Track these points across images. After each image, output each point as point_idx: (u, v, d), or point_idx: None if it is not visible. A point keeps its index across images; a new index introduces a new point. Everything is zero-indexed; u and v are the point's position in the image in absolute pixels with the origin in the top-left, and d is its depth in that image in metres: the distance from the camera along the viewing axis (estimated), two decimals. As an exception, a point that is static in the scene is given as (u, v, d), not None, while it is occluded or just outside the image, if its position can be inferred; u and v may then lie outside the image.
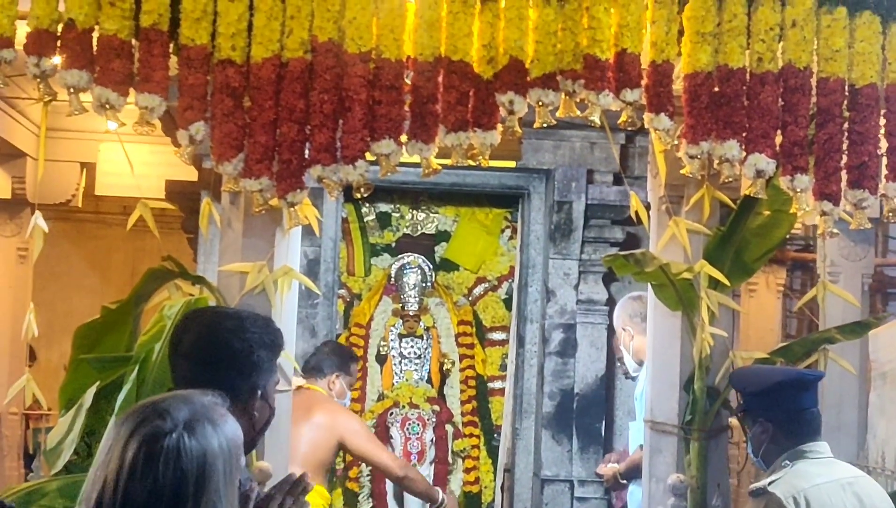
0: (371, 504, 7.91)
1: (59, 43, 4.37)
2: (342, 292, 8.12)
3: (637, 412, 6.51)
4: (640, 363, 6.54)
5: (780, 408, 4.28)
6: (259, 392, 3.40)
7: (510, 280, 8.16)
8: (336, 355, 6.88)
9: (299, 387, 6.41)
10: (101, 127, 9.99)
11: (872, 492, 4.29)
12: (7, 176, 10.75)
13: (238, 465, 2.47)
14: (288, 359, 5.01)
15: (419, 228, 8.33)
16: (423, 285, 8.27)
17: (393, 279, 8.28)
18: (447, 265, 8.32)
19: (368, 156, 4.47)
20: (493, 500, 8.07)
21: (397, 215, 8.31)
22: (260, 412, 3.40)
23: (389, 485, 7.96)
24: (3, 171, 10.48)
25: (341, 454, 7.14)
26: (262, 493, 3.18)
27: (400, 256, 8.29)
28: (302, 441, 6.28)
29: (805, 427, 4.28)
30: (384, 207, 8.26)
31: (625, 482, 6.82)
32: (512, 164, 7.45)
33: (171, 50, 4.46)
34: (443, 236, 8.31)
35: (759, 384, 4.35)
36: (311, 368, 6.75)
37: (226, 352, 3.38)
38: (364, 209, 8.26)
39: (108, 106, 4.35)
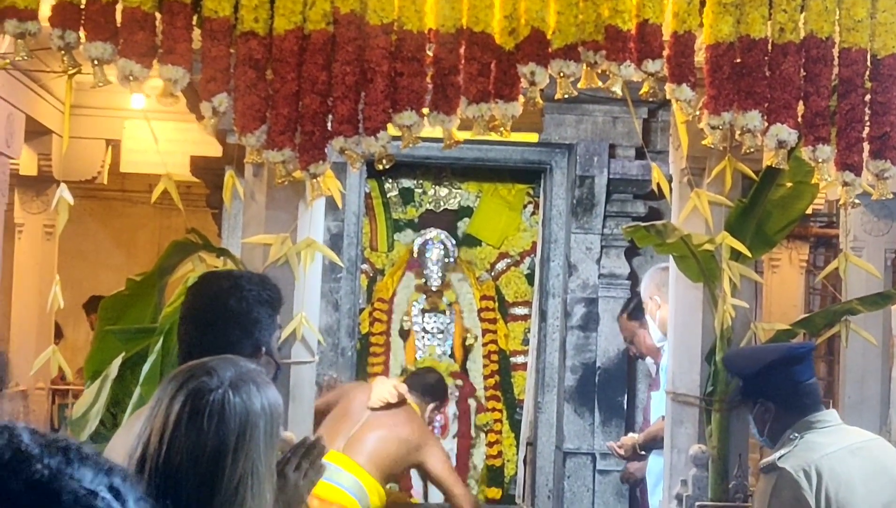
0: (395, 478, 7.94)
1: (82, 15, 4.41)
2: (365, 267, 8.14)
3: (662, 382, 6.53)
4: (666, 334, 6.54)
5: (778, 386, 4.24)
6: (263, 349, 3.46)
7: (532, 255, 8.17)
8: (440, 385, 7.13)
9: (404, 402, 6.63)
10: (126, 104, 10.05)
11: (884, 454, 4.26)
12: (33, 153, 10.81)
13: (278, 431, 2.51)
14: (312, 331, 5.05)
15: (442, 203, 8.35)
16: (446, 260, 8.28)
17: (416, 255, 8.30)
18: (470, 241, 8.34)
19: (391, 128, 4.49)
20: (516, 473, 8.10)
21: (420, 190, 8.32)
22: (266, 368, 3.44)
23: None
24: (30, 148, 10.53)
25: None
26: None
27: (423, 231, 8.31)
28: (382, 445, 6.44)
29: (805, 400, 4.25)
30: (407, 182, 8.28)
31: (643, 452, 6.83)
32: (534, 138, 7.45)
33: (194, 22, 4.49)
34: (465, 211, 8.33)
35: (752, 366, 4.32)
36: (412, 386, 6.91)
37: (224, 311, 3.43)
38: (387, 185, 8.28)
39: (131, 78, 4.38)
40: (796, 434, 4.17)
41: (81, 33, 4.39)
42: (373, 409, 6.55)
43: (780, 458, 4.13)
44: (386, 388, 6.69)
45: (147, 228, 14.70)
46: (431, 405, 6.93)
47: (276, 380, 3.61)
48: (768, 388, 4.23)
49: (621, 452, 6.94)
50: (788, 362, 4.26)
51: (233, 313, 3.42)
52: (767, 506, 4.12)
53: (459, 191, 8.32)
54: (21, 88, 9.35)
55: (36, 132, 10.22)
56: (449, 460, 6.96)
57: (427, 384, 6.95)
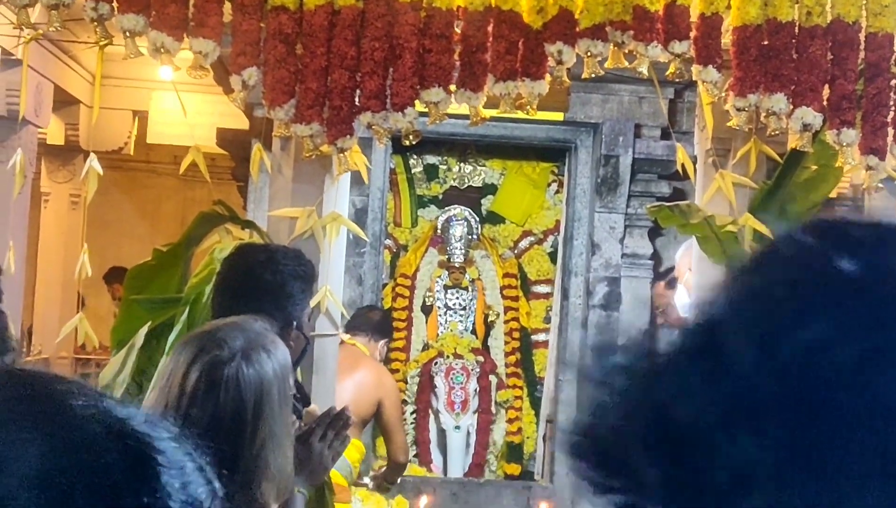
0: (414, 452, 8.00)
1: (116, -13, 4.45)
2: (389, 242, 8.18)
3: None
4: None
5: None
6: (294, 323, 3.50)
7: (556, 234, 8.19)
8: (386, 321, 7.06)
9: (342, 342, 6.50)
10: (154, 75, 10.09)
11: None
12: (61, 123, 10.88)
13: (289, 391, 2.57)
14: (336, 305, 5.09)
15: (466, 180, 8.37)
16: (469, 237, 8.32)
17: (439, 231, 8.33)
18: (493, 218, 8.37)
19: (418, 105, 4.53)
20: (535, 450, 8.15)
21: (444, 167, 8.35)
22: (296, 342, 3.49)
23: (433, 433, 8.04)
24: (57, 117, 10.60)
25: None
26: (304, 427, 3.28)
27: (446, 208, 8.34)
28: (345, 395, 6.36)
29: None
30: (432, 159, 8.31)
31: None
32: (560, 116, 7.47)
33: (225, -4, 4.53)
34: (489, 188, 8.35)
35: None
36: (357, 327, 6.81)
37: (259, 284, 3.47)
38: (412, 161, 8.30)
39: (163, 50, 4.43)
40: None
41: (114, 5, 4.43)
42: None
43: None
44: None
45: (172, 199, 14.77)
46: (382, 342, 6.86)
47: (304, 355, 3.66)
48: None
49: None
50: None
51: (267, 287, 3.46)
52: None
53: (484, 168, 8.35)
54: (50, 58, 9.41)
55: (64, 102, 10.29)
56: (400, 402, 6.95)
57: (374, 322, 6.85)
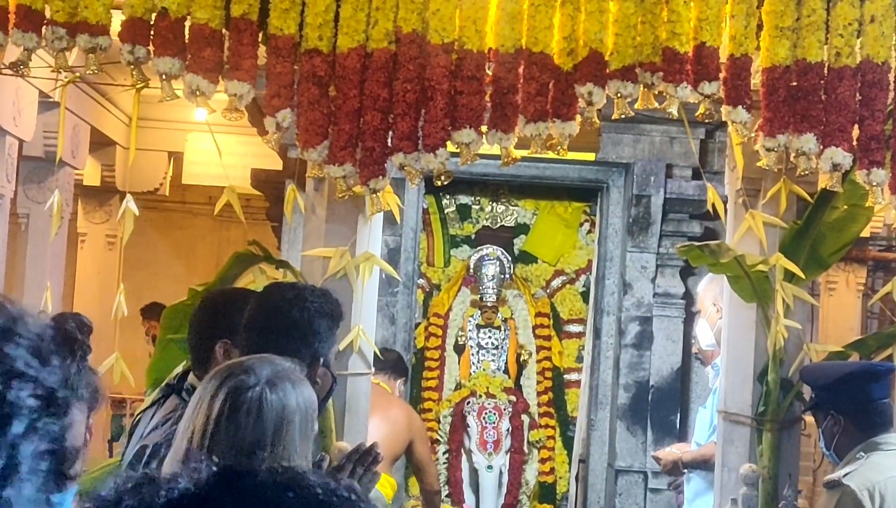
0: (447, 492, 8.01)
1: (152, 31, 4.53)
2: (422, 281, 8.22)
3: (712, 401, 6.54)
4: (720, 344, 6.52)
5: (851, 400, 4.31)
6: (321, 360, 3.54)
7: (588, 273, 8.22)
8: (401, 361, 7.12)
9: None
10: (189, 117, 10.21)
11: None
12: (97, 164, 11.01)
13: (313, 425, 2.61)
14: (368, 343, 5.13)
15: (499, 220, 8.41)
16: (502, 276, 8.35)
17: (472, 271, 8.37)
18: (526, 258, 8.40)
19: (449, 145, 4.58)
20: (568, 490, 8.14)
21: (477, 207, 8.40)
22: (323, 380, 3.54)
23: (466, 473, 8.05)
24: (94, 159, 10.73)
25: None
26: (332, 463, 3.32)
27: (479, 247, 8.37)
28: (377, 433, 6.39)
29: (877, 419, 4.31)
30: (464, 199, 8.36)
31: (685, 471, 6.83)
32: (591, 157, 7.51)
33: (259, 39, 4.59)
34: (522, 228, 8.39)
35: (828, 377, 4.39)
36: (384, 368, 6.86)
37: (286, 321, 3.52)
38: (444, 201, 8.35)
39: (198, 93, 4.50)
40: (863, 454, 4.22)
41: (150, 48, 4.51)
42: None
43: (845, 476, 4.18)
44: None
45: (206, 239, 14.87)
46: (400, 381, 6.94)
47: (332, 393, 3.71)
48: (841, 401, 4.29)
49: (661, 466, 6.95)
50: (865, 377, 4.33)
51: (294, 324, 3.51)
52: (831, 522, 4.16)
53: (516, 208, 8.39)
54: (86, 100, 9.54)
55: (100, 143, 10.42)
56: (428, 438, 7.03)
57: (391, 362, 6.88)
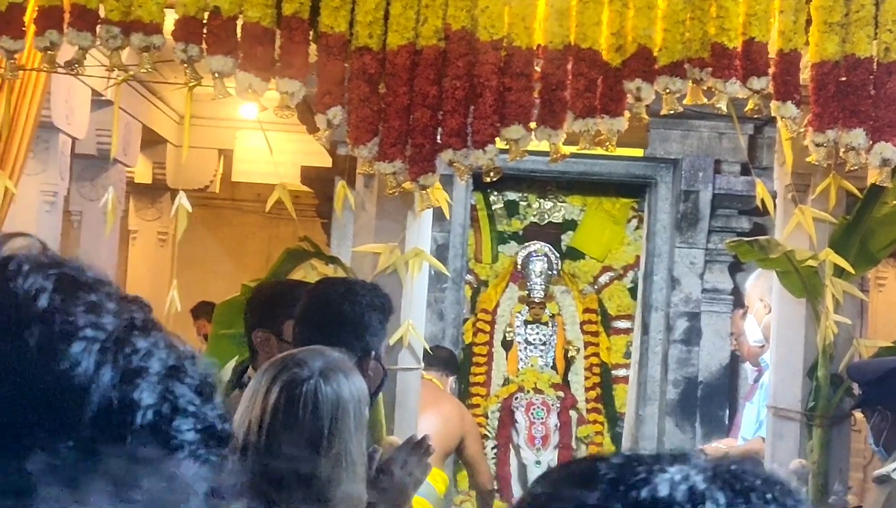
0: (496, 487, 8.04)
1: (204, 30, 4.58)
2: (469, 278, 8.25)
3: (759, 397, 6.53)
4: (768, 340, 6.50)
5: None
6: (372, 353, 3.58)
7: (636, 269, 8.22)
8: (453, 358, 7.15)
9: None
10: (238, 115, 10.29)
11: None
12: (148, 162, 11.11)
13: (365, 414, 2.66)
14: (418, 339, 5.17)
15: (546, 216, 8.43)
16: (549, 272, 8.36)
17: (519, 267, 8.39)
18: (573, 254, 8.41)
19: (498, 142, 4.61)
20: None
21: (525, 203, 8.41)
22: (374, 373, 3.57)
23: (514, 468, 8.08)
24: (145, 157, 10.83)
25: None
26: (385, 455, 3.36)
27: (527, 243, 8.39)
28: (430, 428, 6.40)
29: None
30: (512, 195, 8.37)
31: None
32: (639, 152, 7.52)
33: (310, 37, 4.64)
34: (569, 224, 8.40)
35: (875, 373, 4.40)
36: (428, 363, 6.86)
37: (338, 315, 3.57)
38: (492, 197, 8.38)
39: (251, 91, 4.55)
40: None
41: (203, 47, 4.57)
42: None
43: (894, 471, 4.18)
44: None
45: (256, 236, 14.96)
46: (452, 378, 6.95)
47: (382, 386, 3.75)
48: (889, 397, 4.29)
49: None
50: None
51: (345, 318, 3.56)
52: (878, 517, 4.16)
53: (564, 204, 8.40)
54: (138, 99, 9.63)
55: (151, 141, 10.52)
56: (480, 435, 7.02)
57: (442, 359, 6.89)
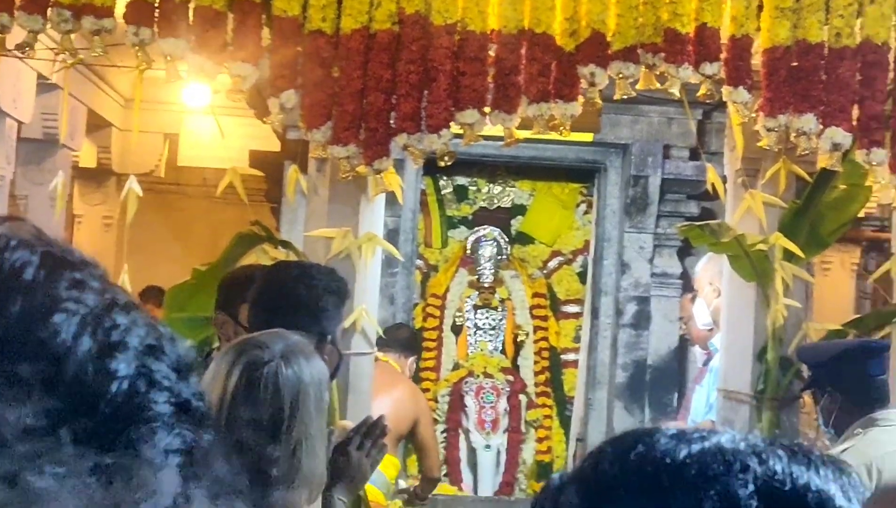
0: (445, 471, 8.05)
1: (156, 13, 4.54)
2: (419, 262, 8.26)
3: (709, 380, 6.57)
4: (717, 323, 6.55)
5: (848, 377, 4.36)
6: (329, 337, 3.58)
7: (584, 254, 8.25)
8: (415, 338, 7.09)
9: (376, 359, 6.53)
10: (184, 99, 10.21)
11: None
12: (93, 146, 11.01)
13: (325, 397, 2.66)
14: (371, 323, 5.17)
15: (495, 201, 8.44)
16: (499, 257, 8.38)
17: (469, 252, 8.40)
18: (523, 239, 8.43)
19: (452, 126, 4.61)
20: (565, 469, 8.19)
21: (474, 188, 8.42)
22: (330, 357, 3.57)
23: (464, 452, 8.10)
24: (90, 141, 10.72)
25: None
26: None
27: (476, 228, 8.41)
28: (383, 411, 6.30)
29: (874, 395, 4.36)
30: (461, 180, 8.38)
31: None
32: (589, 137, 7.54)
33: (263, 21, 4.61)
34: (518, 209, 8.42)
35: (825, 355, 4.45)
36: (387, 344, 6.82)
37: (293, 299, 3.56)
38: (442, 182, 8.38)
39: (203, 74, 4.52)
40: (860, 430, 4.28)
41: (155, 30, 4.53)
42: None
43: (843, 452, 4.23)
44: None
45: (202, 221, 14.87)
46: (411, 359, 6.90)
47: (339, 370, 3.75)
48: (839, 378, 4.34)
49: None
50: (862, 354, 4.37)
51: (301, 301, 3.55)
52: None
53: (513, 189, 8.42)
54: (83, 82, 9.53)
55: (96, 125, 10.42)
56: (433, 422, 6.96)
57: (402, 340, 6.88)
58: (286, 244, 5.28)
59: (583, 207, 8.32)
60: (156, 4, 4.54)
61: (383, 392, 6.25)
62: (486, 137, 4.87)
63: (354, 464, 3.28)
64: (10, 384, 0.81)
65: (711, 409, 6.35)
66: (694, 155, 7.47)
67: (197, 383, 0.91)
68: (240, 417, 2.53)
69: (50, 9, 4.49)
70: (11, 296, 0.84)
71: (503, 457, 8.16)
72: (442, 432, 8.11)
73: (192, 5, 4.55)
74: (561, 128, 4.61)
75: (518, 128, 4.68)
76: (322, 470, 2.67)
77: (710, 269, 6.67)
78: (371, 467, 3.33)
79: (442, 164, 4.70)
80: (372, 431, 3.36)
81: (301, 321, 3.50)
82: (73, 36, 4.64)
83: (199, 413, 0.88)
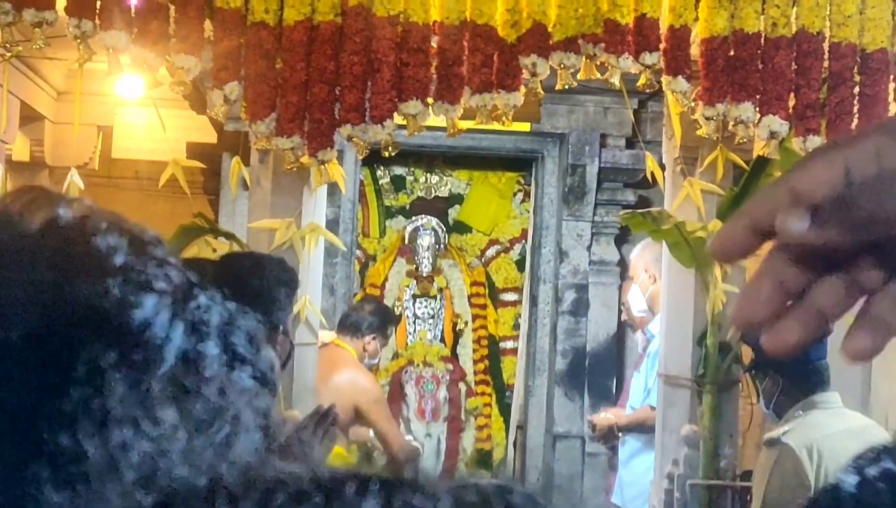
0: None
1: (98, 5, 4.53)
2: (358, 252, 8.28)
3: (646, 366, 6.65)
4: (652, 310, 6.63)
5: (789, 361, 4.45)
6: (280, 328, 3.61)
7: (522, 242, 8.32)
8: (377, 315, 6.79)
9: (328, 343, 6.46)
10: (117, 91, 10.14)
11: (878, 441, 4.46)
12: (26, 139, 10.89)
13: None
14: (315, 314, 5.19)
15: (433, 191, 8.48)
16: (437, 246, 8.43)
17: (407, 241, 8.44)
18: (460, 228, 8.48)
19: (396, 117, 4.64)
20: (505, 457, 8.26)
21: (411, 178, 8.46)
22: (282, 346, 3.61)
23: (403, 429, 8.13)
24: (23, 134, 10.62)
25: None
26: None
27: (414, 218, 8.44)
28: (322, 401, 6.20)
29: (814, 378, 4.46)
30: (399, 170, 8.41)
31: (620, 434, 6.93)
32: (526, 127, 7.59)
33: (206, 13, 4.62)
34: (456, 198, 8.47)
35: None
36: (348, 325, 6.72)
37: (245, 289, 3.58)
38: (379, 172, 8.41)
39: (145, 66, 4.52)
40: (801, 412, 4.37)
41: (97, 22, 4.52)
42: None
43: (784, 434, 4.32)
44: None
45: (134, 214, 14.48)
46: (368, 337, 6.60)
47: (290, 359, 3.78)
48: (780, 362, 4.42)
49: (593, 433, 6.94)
50: None
51: (254, 292, 3.57)
52: (768, 478, 4.30)
53: (450, 179, 8.46)
54: (15, 74, 9.43)
55: (29, 117, 10.30)
56: (382, 399, 6.71)
57: (360, 318, 6.63)
58: (230, 236, 5.29)
59: (520, 196, 8.39)
60: (97, -3, 4.53)
61: (322, 383, 6.21)
62: (427, 128, 4.91)
63: (308, 454, 3.31)
64: (114, 364, 0.84)
65: (649, 394, 6.44)
66: (630, 144, 7.55)
67: (267, 355, 0.95)
68: None
69: (-10, 1, 4.47)
70: (109, 280, 0.88)
71: (443, 446, 8.21)
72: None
73: (134, -2, 4.54)
74: (503, 118, 4.66)
75: (461, 118, 4.72)
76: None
77: (645, 256, 6.75)
78: (324, 455, 3.37)
79: (386, 154, 4.73)
80: (323, 420, 3.40)
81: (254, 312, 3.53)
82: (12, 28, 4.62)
83: (272, 384, 0.93)
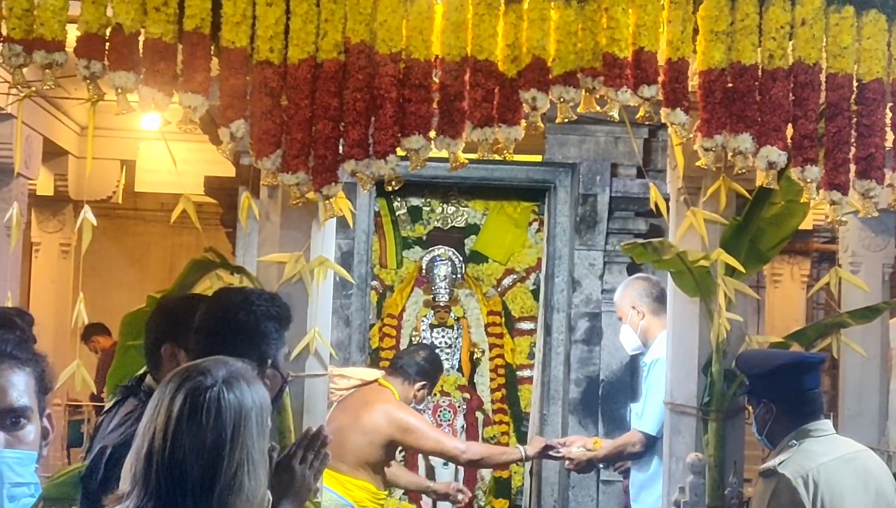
0: (403, 490, 8.13)
1: (107, 46, 4.63)
2: (375, 283, 8.35)
3: (643, 394, 6.70)
4: (646, 344, 6.67)
5: (784, 389, 4.49)
6: (269, 361, 3.70)
7: (538, 271, 8.37)
8: (429, 362, 6.88)
9: (371, 381, 6.57)
10: (140, 125, 10.28)
11: (873, 466, 4.51)
12: (50, 174, 11.06)
13: (267, 422, 2.76)
14: (325, 345, 5.26)
15: (449, 221, 8.55)
16: (454, 276, 8.49)
17: (424, 271, 8.51)
18: (477, 257, 8.55)
19: (399, 151, 4.72)
20: (523, 484, 8.30)
21: (428, 208, 8.54)
22: (272, 381, 3.69)
23: (422, 470, 8.18)
24: (47, 169, 10.77)
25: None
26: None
27: (431, 248, 8.51)
28: (342, 437, 6.20)
29: (807, 407, 4.49)
30: (415, 201, 8.49)
31: (601, 465, 6.92)
32: (538, 158, 7.67)
33: (212, 52, 4.71)
34: (472, 229, 8.54)
35: (763, 367, 4.57)
36: (398, 368, 6.79)
37: (233, 324, 3.68)
38: (396, 203, 8.49)
39: (154, 106, 4.61)
40: (795, 441, 4.40)
41: (106, 63, 4.61)
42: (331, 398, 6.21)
43: (779, 464, 4.36)
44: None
45: (159, 246, 14.93)
46: (418, 385, 6.76)
47: (282, 392, 3.86)
48: (775, 390, 4.47)
49: (569, 466, 6.82)
50: (799, 368, 4.50)
51: (241, 327, 3.67)
52: (766, 509, 4.34)
53: (466, 209, 8.53)
54: (38, 111, 9.59)
55: (52, 153, 10.47)
56: (422, 423, 6.71)
57: (411, 364, 6.76)
58: (240, 270, 5.37)
59: (535, 225, 8.45)
60: (106, 37, 4.62)
61: (361, 414, 6.25)
62: (438, 159, 4.98)
63: (298, 479, 3.38)
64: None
65: (640, 419, 6.51)
66: (641, 173, 7.61)
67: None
68: (183, 442, 2.61)
69: (1, 44, 4.58)
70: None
71: (461, 475, 8.25)
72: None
73: (141, 38, 4.63)
74: (505, 151, 4.72)
75: (463, 151, 4.79)
76: (264, 492, 2.76)
77: (630, 294, 6.76)
78: (315, 478, 3.43)
79: (390, 188, 4.80)
80: (312, 443, 3.46)
81: (240, 347, 3.62)
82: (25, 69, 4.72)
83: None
